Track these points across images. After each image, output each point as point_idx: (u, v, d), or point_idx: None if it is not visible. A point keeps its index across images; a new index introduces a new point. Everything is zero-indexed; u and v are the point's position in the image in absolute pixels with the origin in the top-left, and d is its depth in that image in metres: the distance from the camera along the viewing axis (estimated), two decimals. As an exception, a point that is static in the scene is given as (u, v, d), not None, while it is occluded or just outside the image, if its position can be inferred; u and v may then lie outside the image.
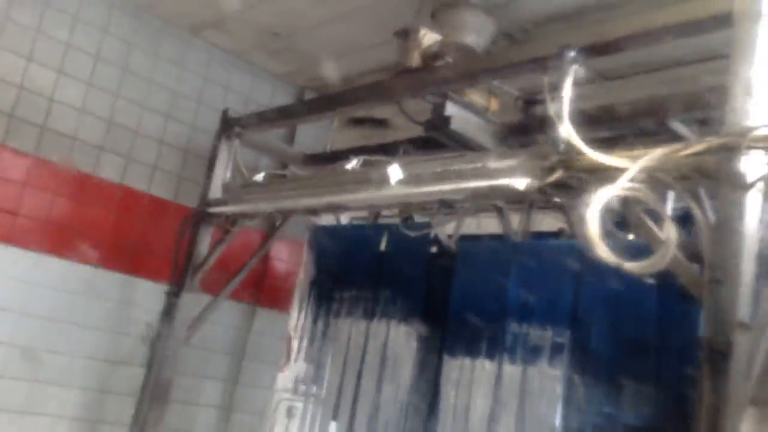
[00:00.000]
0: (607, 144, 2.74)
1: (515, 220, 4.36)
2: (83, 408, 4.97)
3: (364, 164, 4.05)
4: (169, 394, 4.92)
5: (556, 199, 3.47)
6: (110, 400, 5.09)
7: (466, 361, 4.31)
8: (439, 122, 3.70)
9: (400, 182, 3.50)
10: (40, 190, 4.89)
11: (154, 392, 4.89)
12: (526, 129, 3.72)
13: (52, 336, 4.87)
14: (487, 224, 4.71)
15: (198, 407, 5.55)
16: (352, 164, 4.08)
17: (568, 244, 4.00)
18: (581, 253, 3.77)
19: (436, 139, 3.82)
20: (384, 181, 3.52)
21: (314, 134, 6.29)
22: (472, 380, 4.25)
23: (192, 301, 5.04)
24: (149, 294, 5.23)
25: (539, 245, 4.22)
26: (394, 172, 3.43)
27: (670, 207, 3.09)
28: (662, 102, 3.45)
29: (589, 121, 3.28)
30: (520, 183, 2.94)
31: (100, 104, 5.23)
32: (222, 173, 5.13)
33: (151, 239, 5.33)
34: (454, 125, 3.66)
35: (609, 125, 3.57)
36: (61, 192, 4.99)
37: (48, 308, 4.86)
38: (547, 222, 4.53)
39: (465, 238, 4.55)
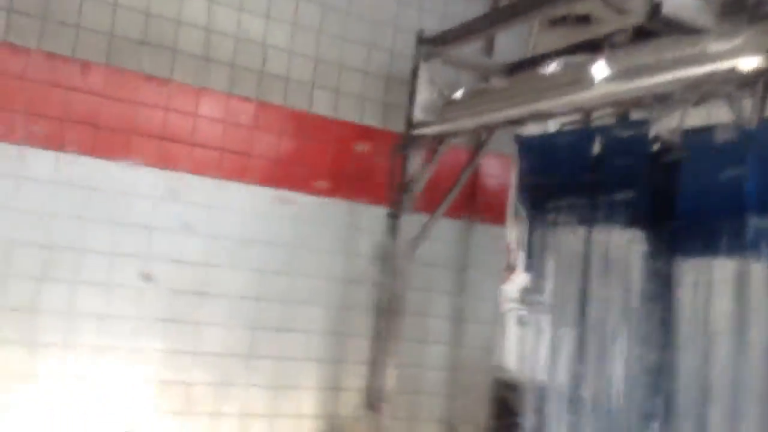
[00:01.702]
0: None
1: (747, 106, 3.88)
2: (329, 322, 5.50)
3: (567, 65, 3.84)
4: (402, 308, 5.25)
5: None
6: (350, 315, 5.56)
7: (702, 262, 4.04)
8: (649, 7, 3.36)
9: (608, 79, 3.27)
10: (266, 132, 5.34)
11: (388, 306, 5.25)
12: (748, 3, 3.23)
13: (294, 261, 5.39)
14: (717, 114, 4.25)
15: (429, 318, 5.86)
16: (553, 67, 3.88)
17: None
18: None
19: (646, 29, 3.48)
20: (589, 80, 3.31)
21: (513, 42, 6.06)
22: (711, 282, 3.98)
23: (411, 221, 5.27)
24: (372, 218, 5.56)
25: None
26: (599, 69, 3.21)
27: None
28: None
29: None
30: (748, 63, 2.59)
31: (306, 43, 5.51)
32: (424, 95, 5.16)
33: (366, 166, 5.61)
34: (667, 9, 3.29)
35: None
36: (283, 132, 5.40)
37: (287, 237, 5.38)
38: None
39: (692, 131, 4.17)
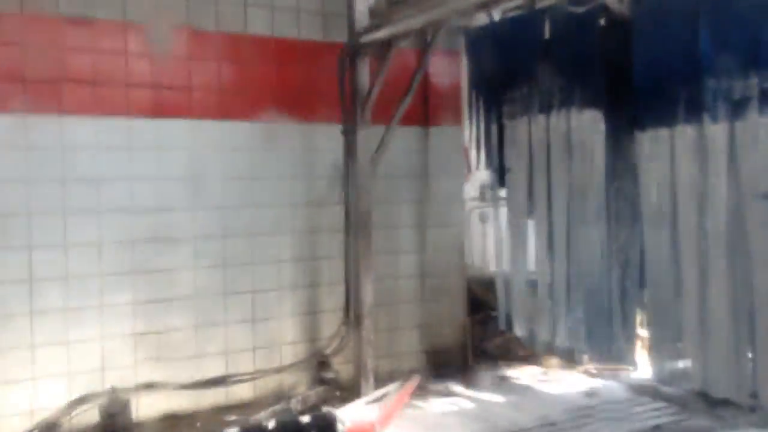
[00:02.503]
0: None
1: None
2: (298, 249, 5.41)
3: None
4: (370, 223, 5.20)
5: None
6: (318, 238, 5.48)
7: (663, 132, 4.08)
8: None
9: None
10: (202, 61, 5.02)
11: (357, 224, 5.19)
12: None
13: (253, 193, 5.23)
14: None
15: (397, 229, 5.84)
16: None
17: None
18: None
19: None
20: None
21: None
22: (673, 150, 4.04)
23: (368, 135, 5.15)
24: (327, 136, 5.40)
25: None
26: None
27: None
28: None
29: None
30: None
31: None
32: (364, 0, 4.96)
33: (314, 84, 5.38)
34: None
35: None
36: (221, 58, 5.10)
37: (242, 170, 5.19)
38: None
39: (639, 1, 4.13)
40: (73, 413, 4.51)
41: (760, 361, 3.70)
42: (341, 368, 5.40)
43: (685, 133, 3.98)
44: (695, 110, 3.90)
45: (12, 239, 4.42)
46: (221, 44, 5.11)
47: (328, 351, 5.42)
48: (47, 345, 4.51)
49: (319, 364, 5.40)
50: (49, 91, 4.52)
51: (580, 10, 4.22)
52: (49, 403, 4.49)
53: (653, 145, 4.14)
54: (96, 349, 4.66)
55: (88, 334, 4.63)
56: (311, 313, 5.46)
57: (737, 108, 3.68)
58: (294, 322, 5.39)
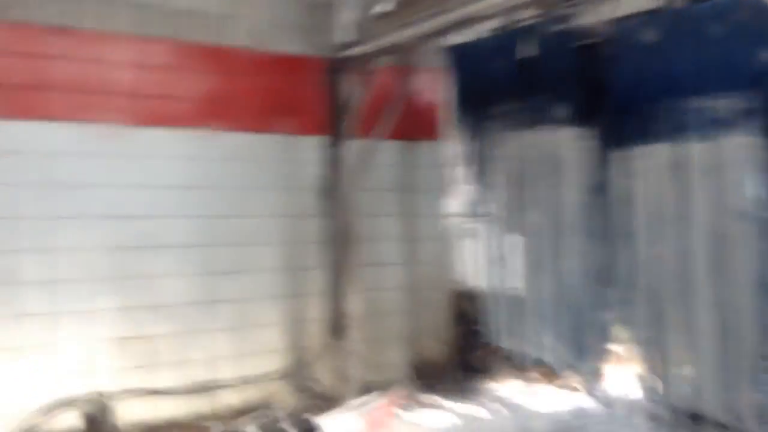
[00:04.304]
0: None
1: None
2: (282, 259, 5.47)
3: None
4: (352, 236, 5.27)
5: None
6: (302, 249, 5.54)
7: (641, 150, 4.14)
8: None
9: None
10: (184, 72, 5.08)
11: (338, 236, 5.26)
12: None
13: (237, 203, 5.29)
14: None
15: (382, 242, 5.91)
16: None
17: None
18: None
19: None
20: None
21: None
22: (651, 167, 4.11)
23: (352, 148, 5.22)
24: (310, 149, 5.49)
25: (706, 6, 3.78)
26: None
27: None
28: None
29: None
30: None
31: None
32: (347, 14, 5.03)
33: (297, 96, 5.46)
34: None
35: None
36: (204, 70, 5.16)
37: (225, 180, 5.25)
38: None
39: (619, 19, 4.23)
40: (56, 416, 4.53)
41: (743, 380, 3.72)
42: (325, 378, 5.45)
43: (663, 150, 4.04)
44: (673, 129, 3.97)
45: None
46: (204, 55, 5.18)
47: (311, 360, 5.47)
48: (31, 348, 4.54)
49: (303, 372, 5.44)
50: (33, 98, 4.59)
51: (560, 28, 4.32)
52: (32, 405, 4.50)
53: (632, 163, 4.21)
54: (80, 354, 4.69)
55: (73, 339, 4.67)
56: (296, 322, 5.51)
57: (715, 127, 3.75)
58: (278, 330, 5.45)
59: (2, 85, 4.50)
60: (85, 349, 4.72)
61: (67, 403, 4.59)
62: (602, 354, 4.52)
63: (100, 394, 4.66)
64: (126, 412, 4.75)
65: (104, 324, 4.77)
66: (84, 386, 4.68)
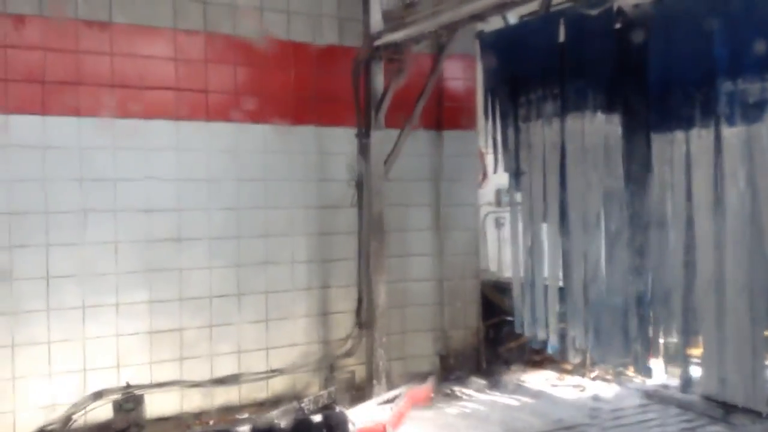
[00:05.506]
0: None
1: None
2: (311, 251, 5.44)
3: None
4: (383, 226, 5.22)
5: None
6: (332, 240, 5.51)
7: (678, 135, 4.05)
8: None
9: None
10: (219, 64, 5.08)
11: (370, 227, 5.21)
12: None
13: (268, 194, 5.26)
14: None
15: (411, 232, 5.85)
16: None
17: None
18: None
19: None
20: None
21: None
22: (688, 153, 4.01)
23: (382, 138, 5.17)
24: (341, 140, 5.43)
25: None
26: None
27: None
28: None
29: None
30: None
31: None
32: (378, 2, 4.97)
33: (329, 88, 5.41)
34: None
35: None
36: (238, 62, 5.14)
37: (257, 171, 5.23)
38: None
39: (656, 2, 4.10)
40: (88, 408, 4.56)
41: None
42: (353, 369, 5.41)
43: (700, 136, 3.95)
44: (711, 113, 3.87)
45: (29, 237, 4.47)
46: (238, 48, 5.16)
47: (340, 352, 5.44)
48: (63, 341, 4.57)
49: (331, 364, 5.42)
50: (69, 93, 4.60)
51: (595, 12, 4.20)
52: (65, 398, 4.54)
53: (669, 149, 4.11)
54: (111, 347, 4.71)
55: (104, 332, 4.69)
56: (324, 314, 5.49)
57: (753, 111, 3.65)
58: (307, 322, 5.42)
59: (40, 82, 4.51)
60: (116, 342, 4.73)
61: (99, 395, 4.60)
62: (636, 345, 4.43)
63: (131, 386, 4.67)
64: (156, 404, 4.76)
65: (134, 317, 4.78)
66: (115, 378, 4.69)
